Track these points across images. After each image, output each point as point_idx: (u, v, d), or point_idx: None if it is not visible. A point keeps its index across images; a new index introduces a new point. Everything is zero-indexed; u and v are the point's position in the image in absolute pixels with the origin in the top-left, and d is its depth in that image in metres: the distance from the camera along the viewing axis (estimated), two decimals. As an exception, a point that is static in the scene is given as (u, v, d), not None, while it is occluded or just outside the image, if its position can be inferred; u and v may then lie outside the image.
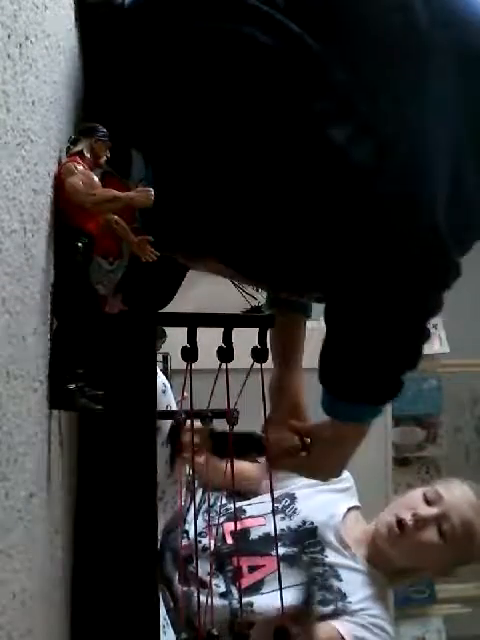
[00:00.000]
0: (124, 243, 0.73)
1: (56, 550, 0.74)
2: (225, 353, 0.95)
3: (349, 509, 1.53)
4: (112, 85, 0.92)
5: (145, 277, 0.79)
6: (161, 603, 1.27)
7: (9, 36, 0.47)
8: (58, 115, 0.69)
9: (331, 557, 1.42)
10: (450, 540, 1.40)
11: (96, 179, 0.68)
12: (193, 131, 0.86)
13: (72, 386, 0.66)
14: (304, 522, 1.47)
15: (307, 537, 1.44)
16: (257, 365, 0.97)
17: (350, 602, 1.36)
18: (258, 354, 0.95)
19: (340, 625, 1.31)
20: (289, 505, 1.50)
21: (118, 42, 0.89)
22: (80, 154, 0.70)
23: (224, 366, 0.95)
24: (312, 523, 1.46)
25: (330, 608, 1.34)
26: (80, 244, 0.67)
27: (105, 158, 0.72)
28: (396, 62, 0.84)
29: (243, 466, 1.59)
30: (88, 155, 0.70)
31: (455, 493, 1.44)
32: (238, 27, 0.82)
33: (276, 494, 1.46)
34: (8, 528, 0.48)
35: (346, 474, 1.63)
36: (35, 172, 0.56)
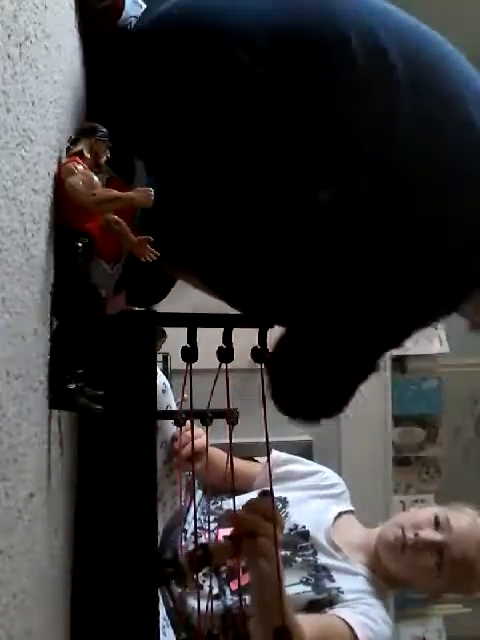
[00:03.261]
0: (123, 243, 0.73)
1: (56, 550, 0.74)
2: (225, 353, 0.95)
3: (340, 514, 1.52)
4: (115, 100, 0.93)
5: (142, 270, 0.79)
6: (161, 603, 1.27)
7: (9, 36, 0.47)
8: (58, 115, 0.69)
9: (323, 559, 1.42)
10: (445, 571, 1.39)
11: (96, 179, 0.68)
12: (191, 149, 0.87)
13: (72, 386, 0.66)
14: (296, 525, 1.47)
15: (299, 540, 1.44)
16: (257, 365, 0.97)
17: (343, 593, 1.35)
18: (258, 354, 0.95)
19: (340, 612, 1.30)
20: (281, 509, 1.49)
21: (123, 63, 0.90)
22: (80, 154, 0.70)
23: (224, 366, 0.95)
24: (304, 527, 1.46)
25: (323, 596, 1.34)
26: (80, 244, 0.67)
27: (105, 158, 0.72)
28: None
29: (237, 464, 1.58)
30: (88, 155, 0.70)
31: (464, 526, 1.42)
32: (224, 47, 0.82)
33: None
34: (8, 528, 0.48)
35: (338, 479, 1.62)
36: (35, 172, 0.56)
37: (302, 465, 1.65)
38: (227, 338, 0.95)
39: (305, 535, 1.45)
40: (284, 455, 1.67)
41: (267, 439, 0.97)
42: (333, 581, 1.38)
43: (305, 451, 2.66)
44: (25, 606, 0.54)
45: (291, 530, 1.46)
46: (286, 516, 1.49)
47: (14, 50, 0.48)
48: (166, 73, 0.86)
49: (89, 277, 0.70)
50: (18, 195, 0.50)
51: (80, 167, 0.68)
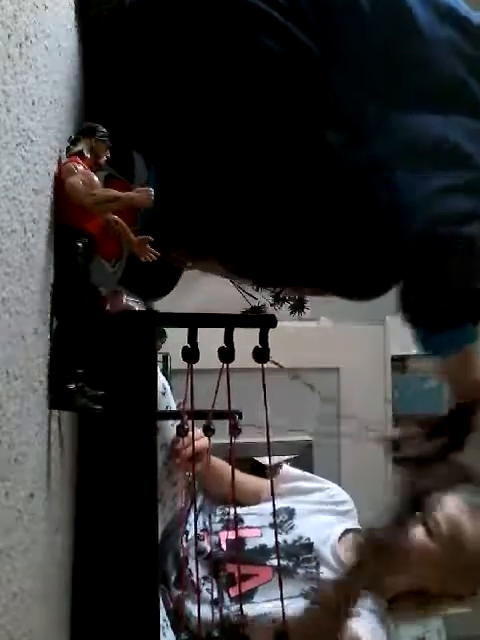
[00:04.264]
0: (123, 242, 0.73)
1: (56, 550, 0.74)
2: (226, 353, 0.95)
3: (346, 531, 1.50)
4: (114, 86, 0.93)
5: (145, 267, 0.79)
6: (161, 604, 1.27)
7: (9, 36, 0.47)
8: (58, 115, 0.69)
9: (326, 573, 1.41)
10: (437, 537, 1.34)
11: (96, 179, 0.68)
12: (194, 132, 0.87)
13: (72, 386, 0.66)
14: (300, 537, 1.46)
15: (303, 552, 1.43)
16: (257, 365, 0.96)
17: None
18: (259, 354, 0.95)
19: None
20: (287, 520, 1.49)
21: (120, 41, 0.90)
22: (80, 154, 0.70)
23: (225, 366, 0.95)
24: (308, 539, 1.45)
25: None
26: (80, 244, 0.67)
27: (105, 158, 0.72)
28: (390, 66, 0.88)
29: (245, 479, 1.58)
30: (88, 155, 0.70)
31: (449, 505, 1.41)
32: (243, 31, 0.83)
33: (276, 507, 1.46)
34: (8, 528, 0.48)
35: (346, 497, 1.60)
36: (35, 172, 0.56)
37: (311, 482, 1.63)
38: (228, 338, 0.95)
39: (309, 547, 1.44)
40: (294, 471, 1.65)
41: (268, 440, 0.96)
42: None
43: (305, 451, 2.66)
44: (25, 606, 0.54)
45: (295, 541, 1.45)
46: (291, 527, 1.48)
47: (14, 50, 0.48)
48: (163, 38, 0.86)
49: (89, 277, 0.70)
50: (18, 195, 0.50)
51: (80, 167, 0.68)
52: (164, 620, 1.31)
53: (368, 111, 0.87)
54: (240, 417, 1.09)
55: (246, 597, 1.34)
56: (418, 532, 1.38)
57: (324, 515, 1.54)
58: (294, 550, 1.44)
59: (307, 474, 1.68)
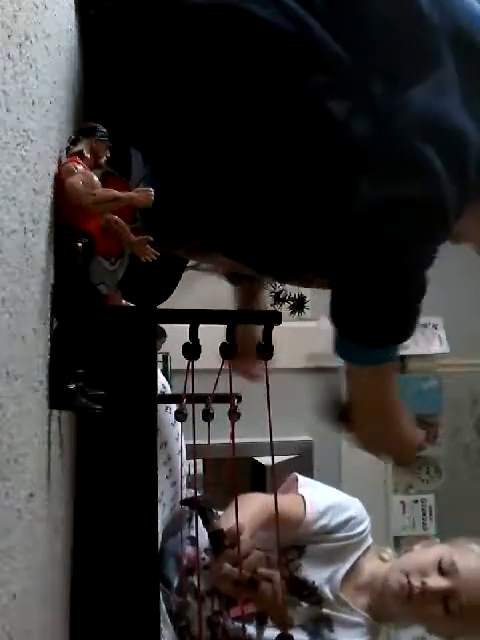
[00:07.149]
0: (124, 242, 0.73)
1: (56, 550, 0.74)
2: (228, 349, 0.94)
3: (358, 558, 1.47)
4: (108, 80, 0.92)
5: (144, 272, 0.79)
6: (161, 605, 1.27)
7: (9, 36, 0.47)
8: (58, 115, 0.69)
9: (327, 610, 1.40)
10: (456, 617, 1.34)
11: (96, 179, 0.68)
12: (190, 117, 0.86)
13: (72, 386, 0.66)
14: (305, 580, 1.43)
15: (305, 589, 1.42)
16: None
17: None
18: (263, 351, 0.94)
19: None
20: (294, 560, 1.44)
21: (113, 33, 0.89)
22: (80, 154, 0.70)
23: (225, 365, 0.95)
24: (313, 582, 1.42)
25: None
26: (80, 244, 0.67)
27: (105, 158, 0.72)
28: (397, 43, 0.85)
29: (284, 505, 1.39)
30: (88, 155, 0.70)
31: (471, 567, 1.35)
32: (235, 2, 0.82)
33: (288, 544, 1.42)
34: (8, 528, 0.48)
35: (364, 516, 1.51)
36: (35, 172, 0.57)
37: (336, 515, 1.49)
38: (230, 334, 0.94)
39: (312, 588, 1.42)
40: (316, 505, 1.48)
41: (271, 442, 0.96)
42: (332, 631, 1.38)
43: (305, 451, 2.66)
44: (25, 606, 0.54)
45: (299, 581, 1.42)
46: (298, 567, 1.43)
47: (14, 50, 0.48)
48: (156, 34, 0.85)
49: (89, 277, 0.70)
50: (18, 195, 0.50)
51: (80, 167, 0.68)
52: (163, 620, 1.30)
53: (380, 80, 0.84)
54: (239, 400, 1.07)
55: (246, 620, 1.31)
56: (437, 607, 1.34)
57: (337, 553, 1.46)
58: (298, 586, 1.41)
59: (333, 503, 1.50)
